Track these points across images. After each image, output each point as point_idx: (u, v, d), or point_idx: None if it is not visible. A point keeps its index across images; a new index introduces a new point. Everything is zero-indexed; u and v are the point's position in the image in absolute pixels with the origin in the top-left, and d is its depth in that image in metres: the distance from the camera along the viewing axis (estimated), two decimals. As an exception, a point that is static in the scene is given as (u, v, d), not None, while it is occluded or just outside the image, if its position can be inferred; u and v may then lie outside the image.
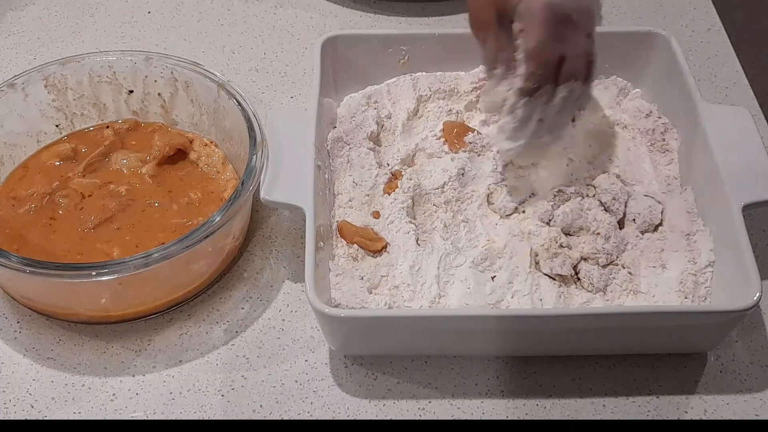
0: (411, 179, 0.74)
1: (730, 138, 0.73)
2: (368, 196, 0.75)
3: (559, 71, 0.69)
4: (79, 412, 0.66)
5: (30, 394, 0.67)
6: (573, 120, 0.77)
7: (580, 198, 0.73)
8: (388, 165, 0.77)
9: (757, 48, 1.03)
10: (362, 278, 0.69)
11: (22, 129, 0.79)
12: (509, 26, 0.70)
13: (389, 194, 0.74)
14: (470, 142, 0.77)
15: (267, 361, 0.69)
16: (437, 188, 0.74)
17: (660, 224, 0.73)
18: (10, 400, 0.66)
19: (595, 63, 0.71)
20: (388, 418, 0.66)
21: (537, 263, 0.70)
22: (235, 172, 0.78)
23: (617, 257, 0.70)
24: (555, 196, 0.74)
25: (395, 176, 0.76)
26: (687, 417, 0.66)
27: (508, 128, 0.72)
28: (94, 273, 0.65)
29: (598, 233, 0.71)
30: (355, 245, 0.71)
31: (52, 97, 0.80)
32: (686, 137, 0.77)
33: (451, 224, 0.73)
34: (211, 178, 0.78)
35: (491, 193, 0.75)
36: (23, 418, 0.66)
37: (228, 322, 0.71)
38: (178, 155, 0.79)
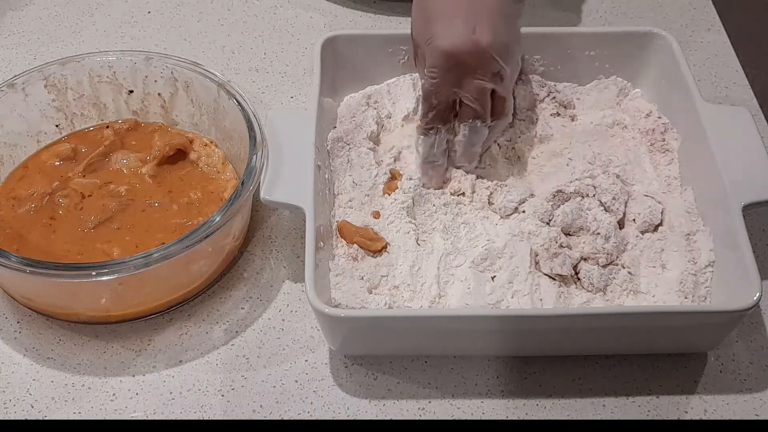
0: (411, 179, 0.74)
1: (730, 138, 0.73)
2: (368, 196, 0.75)
3: (461, 111, 0.74)
4: (79, 412, 0.66)
5: (30, 394, 0.67)
6: (495, 147, 0.79)
7: (580, 198, 0.73)
8: (383, 162, 0.77)
9: (757, 48, 1.03)
10: (362, 278, 0.69)
11: (22, 129, 0.79)
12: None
13: (389, 194, 0.74)
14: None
15: (267, 361, 0.69)
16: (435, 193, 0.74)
17: (660, 224, 0.73)
18: (10, 400, 0.66)
19: (507, 100, 0.74)
20: (388, 418, 0.66)
21: (537, 263, 0.70)
22: (235, 172, 0.78)
23: (617, 257, 0.70)
24: (555, 196, 0.74)
25: (394, 176, 0.76)
26: (687, 417, 0.66)
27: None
28: (94, 273, 0.65)
29: (598, 233, 0.71)
30: (355, 245, 0.71)
31: (52, 97, 0.80)
32: (686, 137, 0.77)
33: (451, 225, 0.73)
34: (211, 178, 0.78)
35: (491, 193, 0.75)
36: (23, 418, 0.66)
37: (228, 322, 0.71)
38: (178, 155, 0.79)
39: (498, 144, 0.78)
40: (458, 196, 0.75)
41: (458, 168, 0.76)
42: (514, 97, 0.78)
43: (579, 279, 0.70)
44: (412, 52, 0.76)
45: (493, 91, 0.72)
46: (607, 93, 0.84)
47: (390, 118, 0.81)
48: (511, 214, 0.74)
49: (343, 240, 0.71)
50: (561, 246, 0.70)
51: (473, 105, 0.72)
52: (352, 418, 0.66)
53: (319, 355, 0.69)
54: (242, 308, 0.72)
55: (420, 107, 0.74)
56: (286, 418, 0.66)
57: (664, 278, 0.69)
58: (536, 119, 0.80)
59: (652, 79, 0.82)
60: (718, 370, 0.68)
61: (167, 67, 0.80)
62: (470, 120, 0.73)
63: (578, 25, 0.97)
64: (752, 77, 0.91)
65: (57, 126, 0.81)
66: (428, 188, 0.75)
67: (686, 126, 0.77)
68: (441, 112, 0.73)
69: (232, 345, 0.70)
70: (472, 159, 0.76)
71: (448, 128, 0.75)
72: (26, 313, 0.72)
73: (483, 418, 0.66)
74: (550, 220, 0.72)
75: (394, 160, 0.78)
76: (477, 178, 0.76)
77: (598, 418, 0.66)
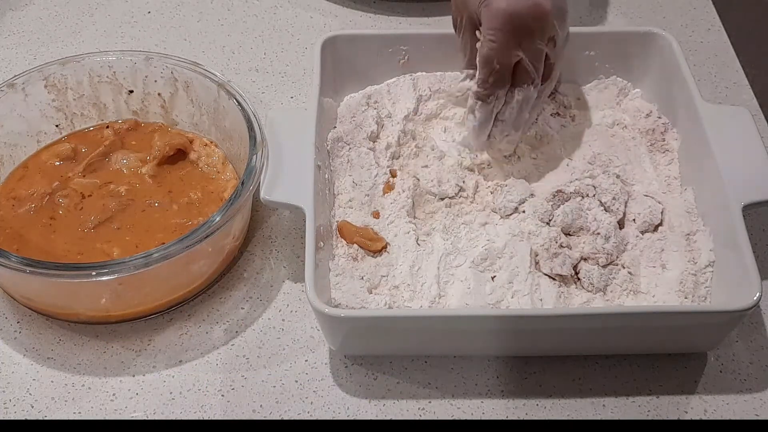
0: (409, 176, 0.75)
1: (730, 138, 0.73)
2: (368, 196, 0.75)
3: (515, 76, 0.72)
4: (79, 412, 0.66)
5: (30, 394, 0.67)
6: (538, 116, 0.79)
7: (580, 198, 0.73)
8: (381, 162, 0.77)
9: (757, 48, 1.03)
10: (362, 278, 0.69)
11: (22, 129, 0.79)
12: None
13: (388, 194, 0.74)
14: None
15: (267, 361, 0.69)
16: (434, 190, 0.74)
17: (660, 224, 0.73)
18: (10, 400, 0.66)
19: (557, 65, 0.74)
20: (388, 418, 0.66)
21: (537, 263, 0.70)
22: (235, 172, 0.78)
23: (617, 257, 0.70)
24: (555, 196, 0.74)
25: (392, 174, 0.76)
26: (687, 417, 0.66)
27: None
28: (94, 273, 0.65)
29: (598, 233, 0.71)
30: (355, 245, 0.71)
31: (52, 97, 0.80)
32: (686, 137, 0.77)
33: (451, 225, 0.73)
34: (211, 178, 0.78)
35: (492, 192, 0.75)
36: (23, 418, 0.66)
37: (228, 322, 0.71)
38: (178, 155, 0.79)
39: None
40: (458, 196, 0.75)
41: (504, 137, 0.76)
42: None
43: (579, 279, 0.70)
44: (454, 26, 0.75)
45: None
46: (607, 93, 0.84)
47: (390, 117, 0.81)
48: (511, 214, 0.74)
49: (343, 240, 0.71)
50: (561, 246, 0.70)
51: (530, 68, 0.71)
52: (352, 418, 0.66)
53: (319, 355, 0.69)
54: (242, 308, 0.72)
55: (478, 73, 0.72)
56: (286, 418, 0.66)
57: (664, 278, 0.69)
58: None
59: (652, 79, 0.82)
60: (718, 370, 0.68)
61: (167, 67, 0.80)
62: (525, 85, 0.72)
63: (578, 25, 0.97)
64: (752, 77, 0.91)
65: (57, 126, 0.81)
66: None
67: (686, 126, 0.77)
68: (502, 76, 0.71)
69: (232, 345, 0.70)
70: (521, 127, 0.75)
71: (505, 92, 0.73)
72: (26, 313, 0.72)
73: (483, 418, 0.66)
74: (550, 220, 0.72)
75: (392, 159, 0.78)
76: (479, 177, 0.76)
77: (598, 418, 0.66)
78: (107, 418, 0.66)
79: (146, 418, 0.66)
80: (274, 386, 0.67)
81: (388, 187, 0.75)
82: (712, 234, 0.71)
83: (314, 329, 0.70)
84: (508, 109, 0.74)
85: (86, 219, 0.74)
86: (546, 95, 0.76)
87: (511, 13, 0.69)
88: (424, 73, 0.84)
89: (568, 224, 0.72)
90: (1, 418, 0.65)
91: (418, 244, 0.71)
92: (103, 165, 0.79)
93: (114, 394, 0.67)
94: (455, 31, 0.76)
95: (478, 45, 0.72)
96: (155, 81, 0.81)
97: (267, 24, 0.98)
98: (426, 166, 0.76)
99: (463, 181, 0.75)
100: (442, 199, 0.74)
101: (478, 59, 0.72)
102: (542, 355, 0.69)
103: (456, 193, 0.75)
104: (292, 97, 0.90)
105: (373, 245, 0.71)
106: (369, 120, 0.80)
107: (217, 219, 0.67)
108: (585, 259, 0.70)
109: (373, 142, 0.79)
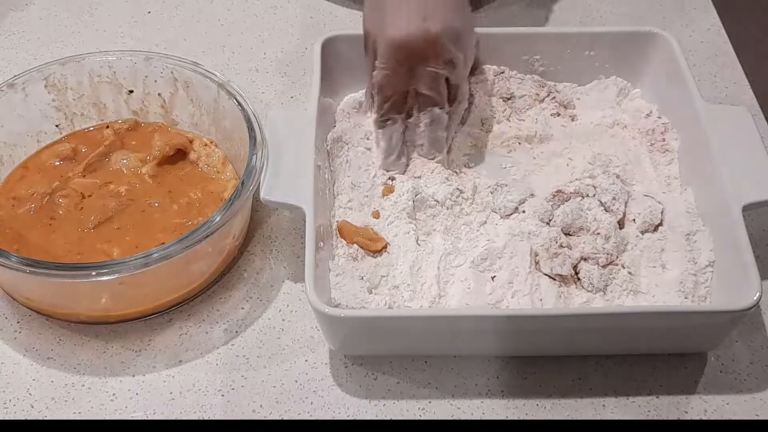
0: (409, 179, 0.75)
1: (730, 138, 0.73)
2: (367, 197, 0.75)
3: (419, 100, 0.73)
4: (79, 412, 0.66)
5: (30, 394, 0.67)
6: (451, 139, 0.79)
7: (580, 198, 0.73)
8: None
9: (757, 48, 1.03)
10: (362, 278, 0.69)
11: (22, 129, 0.79)
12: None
13: (388, 196, 0.74)
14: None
15: (267, 361, 0.69)
16: (436, 195, 0.74)
17: (660, 224, 0.73)
18: (10, 400, 0.66)
19: (462, 86, 0.75)
20: (388, 418, 0.66)
21: (537, 263, 0.70)
22: (235, 172, 0.78)
23: (617, 257, 0.70)
24: (555, 196, 0.74)
25: (391, 177, 0.76)
26: (687, 417, 0.66)
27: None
28: (94, 273, 0.65)
29: (598, 233, 0.71)
30: (355, 245, 0.71)
31: (52, 97, 0.80)
32: (686, 137, 0.77)
33: (452, 226, 0.73)
34: (211, 178, 0.78)
35: (492, 192, 0.75)
36: (23, 418, 0.66)
37: (228, 322, 0.71)
38: (178, 155, 0.79)
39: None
40: (459, 197, 0.74)
41: (431, 159, 0.76)
42: (469, 83, 0.78)
43: (579, 279, 0.70)
44: (365, 45, 0.76)
45: (447, 78, 0.73)
46: (607, 93, 0.84)
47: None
48: (511, 214, 0.74)
49: (343, 240, 0.71)
50: (561, 246, 0.70)
51: (429, 93, 0.72)
52: (352, 418, 0.66)
53: (319, 355, 0.69)
54: (242, 308, 0.72)
55: (373, 100, 0.74)
56: (286, 418, 0.66)
57: (664, 278, 0.69)
58: (536, 119, 0.81)
59: (652, 79, 0.82)
60: (718, 370, 0.68)
61: (167, 67, 0.80)
62: (429, 108, 0.73)
63: (578, 25, 0.97)
64: (752, 77, 0.91)
65: (57, 126, 0.81)
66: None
67: (686, 126, 0.77)
68: (396, 103, 0.73)
69: (232, 345, 0.70)
70: (441, 148, 0.76)
71: (403, 117, 0.75)
72: (26, 313, 0.72)
73: (483, 418, 0.66)
74: (550, 220, 0.72)
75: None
76: (479, 178, 0.76)
77: (598, 418, 0.66)
78: (107, 418, 0.66)
79: (146, 418, 0.66)
80: (274, 386, 0.67)
81: (388, 189, 0.75)
82: (712, 234, 0.71)
83: (314, 329, 0.70)
84: (417, 132, 0.75)
85: (86, 219, 0.74)
86: (459, 114, 0.77)
87: (400, 41, 0.70)
88: (423, 73, 0.84)
89: (568, 224, 0.72)
90: (1, 418, 0.65)
91: (418, 244, 0.71)
92: (103, 165, 0.79)
93: (114, 394, 0.67)
94: (365, 56, 0.77)
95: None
96: (155, 81, 0.81)
97: (267, 24, 0.98)
98: (420, 177, 0.76)
99: (460, 184, 0.75)
100: (443, 203, 0.74)
101: (372, 86, 0.74)
102: (542, 355, 0.69)
103: (456, 196, 0.74)
104: (292, 97, 0.90)
105: (373, 245, 0.71)
106: (367, 120, 0.79)
107: (217, 219, 0.67)
108: (585, 259, 0.70)
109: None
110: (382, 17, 0.71)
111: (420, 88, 0.72)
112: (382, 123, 0.75)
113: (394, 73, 0.72)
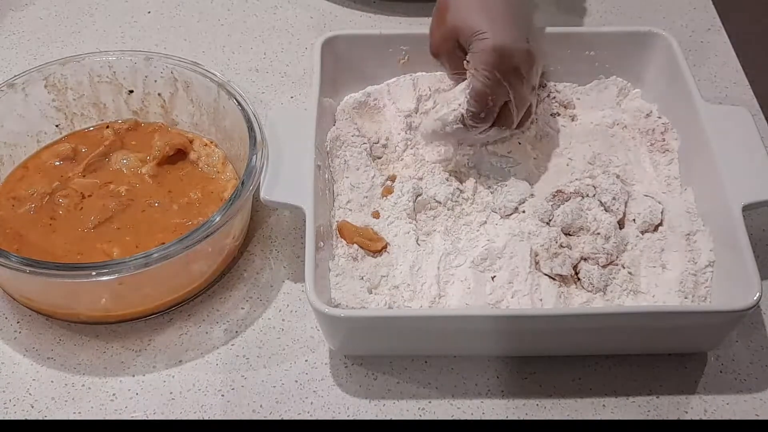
0: (409, 179, 0.75)
1: (730, 138, 0.73)
2: (366, 197, 0.75)
3: (498, 117, 0.72)
4: (79, 412, 0.66)
5: (30, 394, 0.67)
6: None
7: (580, 198, 0.73)
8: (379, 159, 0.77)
9: (757, 48, 1.03)
10: (362, 278, 0.69)
11: (22, 129, 0.79)
12: (463, 56, 0.72)
13: (387, 197, 0.74)
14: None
15: (267, 361, 0.69)
16: (436, 196, 0.74)
17: (660, 224, 0.73)
18: (10, 400, 0.66)
19: (531, 115, 0.75)
20: (388, 418, 0.66)
21: (537, 263, 0.70)
22: (235, 172, 0.78)
23: (617, 257, 0.70)
24: (555, 196, 0.74)
25: (391, 179, 0.76)
26: (687, 417, 0.66)
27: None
28: (94, 273, 0.65)
29: (598, 233, 0.71)
30: (355, 245, 0.71)
31: (52, 97, 0.80)
32: (686, 137, 0.77)
33: (452, 227, 0.73)
34: (211, 178, 0.78)
35: (492, 192, 0.75)
36: (23, 418, 0.66)
37: (228, 322, 0.71)
38: (178, 155, 0.79)
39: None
40: (459, 197, 0.74)
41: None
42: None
43: (579, 279, 0.70)
44: (432, 44, 0.76)
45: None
46: (607, 93, 0.84)
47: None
48: (511, 214, 0.74)
49: (343, 240, 0.71)
50: (561, 246, 0.70)
51: (514, 112, 0.72)
52: (352, 418, 0.66)
53: (319, 355, 0.69)
54: (242, 308, 0.72)
55: (470, 106, 0.71)
56: (286, 418, 0.66)
57: (664, 278, 0.69)
58: (536, 119, 0.80)
59: (652, 79, 0.82)
60: (718, 370, 0.68)
61: (167, 67, 0.80)
62: (502, 127, 0.73)
63: (578, 25, 0.97)
64: (752, 77, 0.91)
65: (57, 126, 0.81)
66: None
67: (686, 126, 0.77)
68: (491, 113, 0.71)
69: (232, 345, 0.70)
70: (477, 142, 0.77)
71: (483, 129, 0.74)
72: (26, 313, 0.72)
73: (483, 418, 0.66)
74: (550, 220, 0.72)
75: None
76: (479, 178, 0.76)
77: (598, 418, 0.66)
78: (107, 418, 0.66)
79: (146, 418, 0.66)
80: (274, 386, 0.67)
81: (387, 191, 0.75)
82: (712, 234, 0.71)
83: (314, 329, 0.70)
84: (476, 136, 0.75)
85: (86, 219, 0.74)
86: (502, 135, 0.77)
87: (504, 49, 0.69)
88: (424, 73, 0.84)
89: (568, 224, 0.72)
90: (1, 418, 0.65)
91: (418, 244, 0.71)
92: (103, 165, 0.79)
93: (114, 394, 0.67)
94: (432, 53, 0.76)
95: (468, 73, 0.71)
96: (155, 81, 0.81)
97: (267, 24, 0.98)
98: (421, 179, 0.76)
99: (461, 184, 0.75)
100: (444, 204, 0.74)
101: (470, 92, 0.71)
102: (542, 355, 0.69)
103: (456, 196, 0.74)
104: (292, 97, 0.90)
105: (373, 245, 0.71)
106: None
107: (217, 219, 0.67)
108: (585, 259, 0.70)
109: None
110: (487, 24, 0.69)
111: (510, 105, 0.71)
112: (469, 126, 0.72)
113: (497, 83, 0.70)
